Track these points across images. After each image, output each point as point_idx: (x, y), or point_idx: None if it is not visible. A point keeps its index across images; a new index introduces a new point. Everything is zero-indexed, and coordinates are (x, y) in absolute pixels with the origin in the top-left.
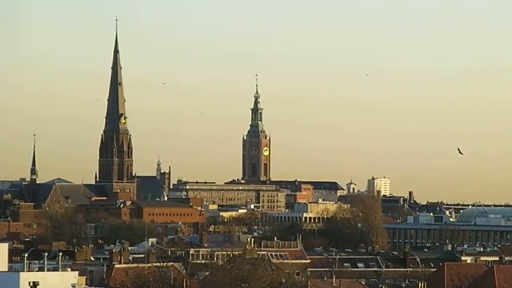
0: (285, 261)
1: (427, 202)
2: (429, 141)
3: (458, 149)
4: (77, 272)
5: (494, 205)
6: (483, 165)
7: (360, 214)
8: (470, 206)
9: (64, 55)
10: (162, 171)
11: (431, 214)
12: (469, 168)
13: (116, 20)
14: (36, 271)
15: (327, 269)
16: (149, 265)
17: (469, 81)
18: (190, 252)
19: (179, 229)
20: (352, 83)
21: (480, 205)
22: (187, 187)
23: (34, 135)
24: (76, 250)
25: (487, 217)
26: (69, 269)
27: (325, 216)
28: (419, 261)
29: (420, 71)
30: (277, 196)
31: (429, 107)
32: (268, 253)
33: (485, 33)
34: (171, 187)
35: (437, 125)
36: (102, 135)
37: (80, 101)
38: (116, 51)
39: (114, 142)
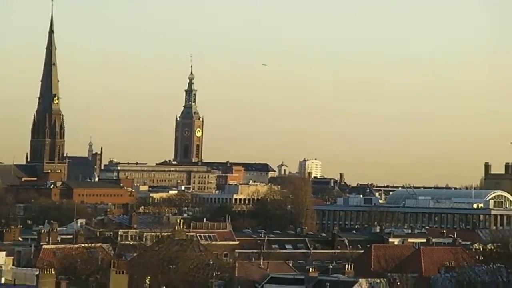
0: (214, 242)
1: (357, 184)
2: (359, 123)
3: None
4: (4, 253)
5: (424, 187)
6: (413, 147)
7: (290, 196)
8: (400, 188)
9: None
10: (93, 152)
11: (361, 196)
12: (399, 150)
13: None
14: None
15: (255, 250)
16: (77, 246)
17: (397, 63)
18: (119, 233)
19: (108, 210)
20: (283, 63)
21: (410, 187)
22: (118, 168)
23: None
24: (4, 231)
25: (416, 199)
26: None
27: (256, 198)
28: (347, 243)
29: (349, 51)
30: (208, 177)
31: (357, 88)
32: (197, 235)
33: None
34: (103, 168)
35: (368, 107)
36: (34, 115)
37: (13, 81)
38: (51, 31)
39: (47, 123)
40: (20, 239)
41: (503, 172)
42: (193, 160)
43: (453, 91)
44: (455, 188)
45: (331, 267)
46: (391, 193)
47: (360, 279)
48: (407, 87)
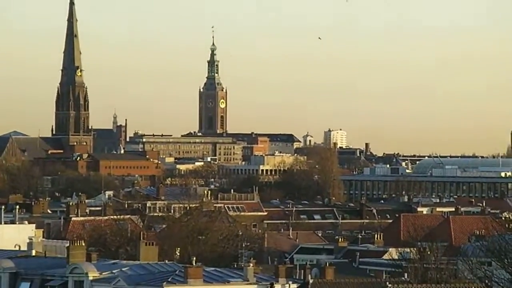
0: (242, 213)
1: (384, 153)
2: (384, 93)
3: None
4: (34, 225)
5: (450, 156)
6: (439, 116)
7: (316, 166)
8: (426, 157)
9: (20, 7)
10: (118, 124)
11: (388, 165)
12: (425, 119)
13: None
14: None
15: (283, 221)
16: (106, 217)
17: (425, 38)
18: (147, 205)
19: (135, 181)
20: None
21: (436, 156)
22: (144, 140)
23: None
24: (33, 203)
25: (443, 168)
26: (26, 222)
27: (282, 169)
28: (375, 213)
29: (372, 27)
30: (233, 148)
31: (382, 59)
32: (225, 206)
33: None
34: (128, 140)
35: (392, 78)
36: (58, 88)
37: (36, 54)
38: (71, 3)
39: (70, 95)
40: (49, 211)
41: None
42: (218, 132)
43: (477, 62)
44: (481, 157)
45: (360, 237)
46: (417, 162)
47: (390, 249)
48: (430, 59)
